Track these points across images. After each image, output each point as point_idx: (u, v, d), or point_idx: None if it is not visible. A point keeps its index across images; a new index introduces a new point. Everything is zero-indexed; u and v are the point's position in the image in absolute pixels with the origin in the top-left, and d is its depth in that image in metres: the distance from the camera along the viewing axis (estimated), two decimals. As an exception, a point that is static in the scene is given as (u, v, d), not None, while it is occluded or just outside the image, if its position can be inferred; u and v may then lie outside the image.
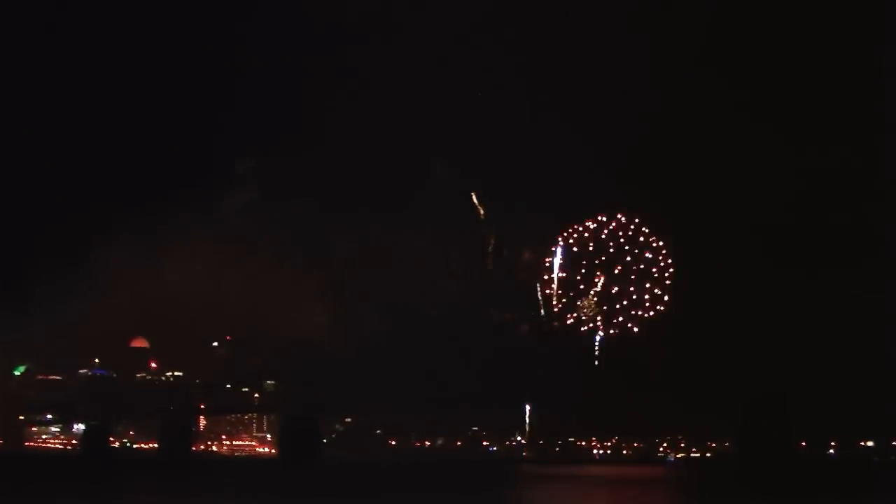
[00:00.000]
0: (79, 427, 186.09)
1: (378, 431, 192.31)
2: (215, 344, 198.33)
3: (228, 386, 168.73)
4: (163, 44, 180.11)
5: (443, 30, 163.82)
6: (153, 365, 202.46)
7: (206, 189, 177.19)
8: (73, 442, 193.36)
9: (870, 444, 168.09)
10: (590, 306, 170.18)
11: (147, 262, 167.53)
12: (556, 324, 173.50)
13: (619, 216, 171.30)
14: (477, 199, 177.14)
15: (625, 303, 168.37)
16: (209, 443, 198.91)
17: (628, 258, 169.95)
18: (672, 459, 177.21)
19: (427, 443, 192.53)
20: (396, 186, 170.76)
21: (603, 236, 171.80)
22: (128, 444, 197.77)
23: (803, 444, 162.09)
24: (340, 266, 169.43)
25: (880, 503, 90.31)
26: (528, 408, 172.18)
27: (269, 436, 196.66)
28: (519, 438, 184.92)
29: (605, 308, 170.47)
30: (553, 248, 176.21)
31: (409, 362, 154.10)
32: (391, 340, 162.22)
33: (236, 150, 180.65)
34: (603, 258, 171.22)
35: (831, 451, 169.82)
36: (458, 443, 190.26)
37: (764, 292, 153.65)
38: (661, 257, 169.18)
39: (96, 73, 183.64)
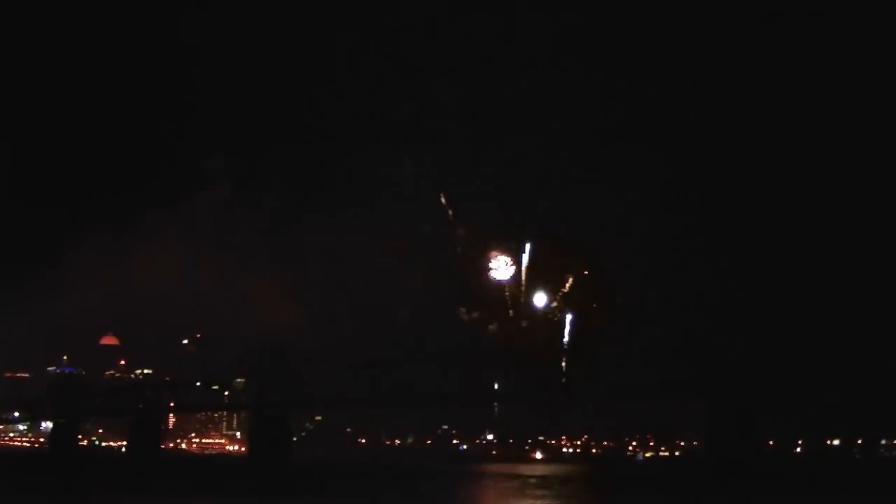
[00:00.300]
0: (46, 425, 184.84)
1: (348, 430, 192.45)
2: (185, 341, 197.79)
3: (198, 384, 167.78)
4: (139, 41, 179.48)
5: (412, 31, 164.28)
6: (122, 362, 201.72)
7: (177, 186, 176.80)
8: (41, 440, 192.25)
9: (836, 442, 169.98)
10: (558, 306, 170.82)
11: (117, 259, 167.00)
12: (524, 324, 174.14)
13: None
14: (446, 199, 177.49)
15: (594, 305, 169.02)
16: (178, 441, 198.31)
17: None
18: (641, 458, 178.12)
19: (397, 441, 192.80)
20: (366, 185, 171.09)
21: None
22: (96, 443, 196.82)
23: (770, 442, 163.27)
24: (310, 264, 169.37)
25: (846, 501, 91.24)
26: (497, 407, 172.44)
27: (238, 434, 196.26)
28: (489, 437, 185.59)
29: (573, 308, 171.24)
30: (521, 248, 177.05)
31: (378, 361, 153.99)
32: (361, 339, 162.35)
33: (207, 147, 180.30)
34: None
35: (798, 449, 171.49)
36: (428, 441, 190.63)
37: (734, 292, 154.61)
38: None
39: (64, 68, 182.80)
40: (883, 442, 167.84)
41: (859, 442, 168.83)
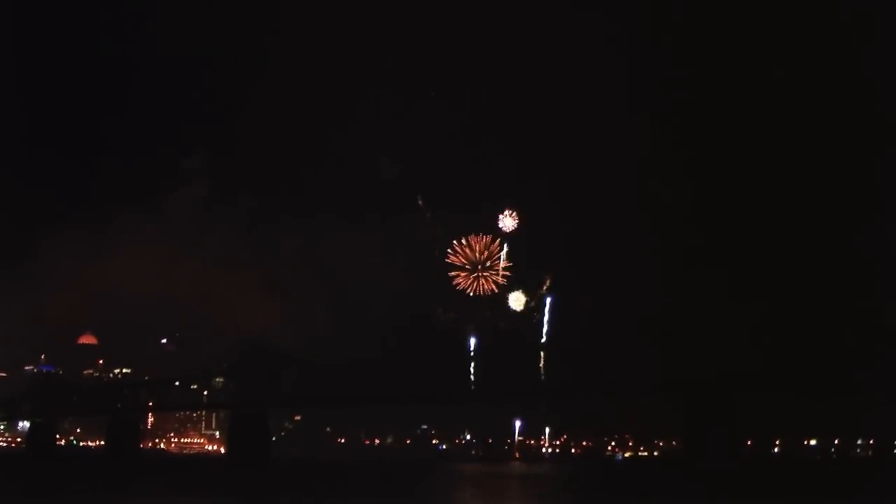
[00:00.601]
0: (24, 425, 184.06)
1: (327, 429, 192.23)
2: (164, 341, 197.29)
3: (177, 383, 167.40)
4: (117, 39, 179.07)
5: (389, 27, 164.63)
6: (100, 362, 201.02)
7: (155, 186, 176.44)
8: (18, 440, 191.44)
9: (812, 442, 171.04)
10: (535, 306, 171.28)
11: (95, 258, 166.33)
12: (501, 325, 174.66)
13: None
14: (423, 201, 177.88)
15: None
16: (157, 440, 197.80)
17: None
18: (620, 458, 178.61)
19: (376, 441, 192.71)
20: (344, 186, 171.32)
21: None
22: (74, 442, 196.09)
23: (749, 442, 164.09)
24: (289, 264, 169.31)
25: (823, 500, 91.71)
26: (477, 406, 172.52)
27: (217, 433, 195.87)
28: (468, 437, 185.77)
29: (549, 307, 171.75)
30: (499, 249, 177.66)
31: (356, 360, 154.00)
32: (339, 338, 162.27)
33: (185, 147, 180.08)
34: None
35: (776, 449, 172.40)
36: (408, 441, 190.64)
37: (710, 291, 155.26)
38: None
39: (41, 67, 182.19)
40: (859, 442, 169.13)
41: (836, 442, 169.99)
